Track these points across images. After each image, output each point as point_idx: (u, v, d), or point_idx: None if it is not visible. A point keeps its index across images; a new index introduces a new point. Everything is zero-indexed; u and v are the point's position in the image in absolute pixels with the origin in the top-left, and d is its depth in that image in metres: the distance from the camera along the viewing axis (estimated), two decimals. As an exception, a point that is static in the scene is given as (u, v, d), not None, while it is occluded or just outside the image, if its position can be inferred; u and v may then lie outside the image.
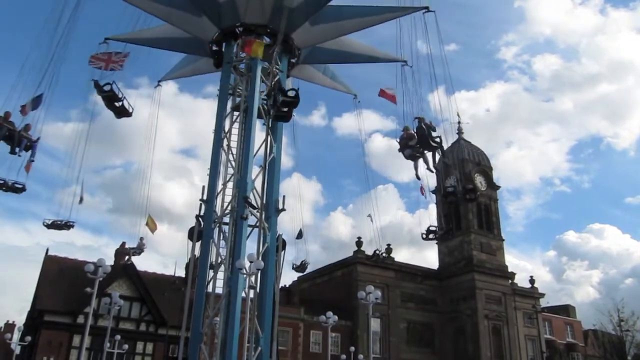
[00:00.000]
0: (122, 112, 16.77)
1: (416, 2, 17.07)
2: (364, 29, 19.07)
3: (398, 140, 16.41)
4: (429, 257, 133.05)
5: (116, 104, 16.35)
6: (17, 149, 15.35)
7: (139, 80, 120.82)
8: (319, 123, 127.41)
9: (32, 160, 15.77)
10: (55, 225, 18.42)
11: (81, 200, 18.64)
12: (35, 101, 15.61)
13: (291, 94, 15.76)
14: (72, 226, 18.50)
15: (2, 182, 16.08)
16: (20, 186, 16.22)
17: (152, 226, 19.61)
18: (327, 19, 18.43)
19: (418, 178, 17.27)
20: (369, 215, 21.59)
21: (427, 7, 16.87)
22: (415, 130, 15.82)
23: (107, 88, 15.92)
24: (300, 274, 31.32)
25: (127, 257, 18.79)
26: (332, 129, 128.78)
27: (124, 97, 16.39)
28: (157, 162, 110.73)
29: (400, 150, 16.30)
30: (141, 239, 19.05)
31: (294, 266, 23.68)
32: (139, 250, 19.64)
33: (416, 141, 15.93)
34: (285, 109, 15.80)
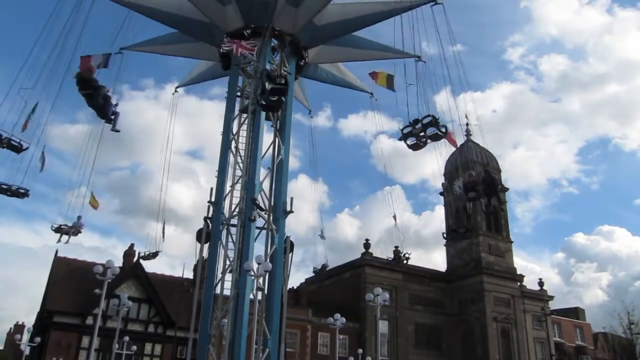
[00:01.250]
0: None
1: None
2: (370, 31, 19.08)
3: (464, 183, 16.03)
4: (435, 258, 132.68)
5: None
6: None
7: (145, 82, 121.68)
8: (324, 124, 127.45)
9: (117, 130, 15.72)
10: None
11: (93, 204, 19.30)
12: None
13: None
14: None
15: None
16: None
17: (94, 204, 19.51)
18: (334, 18, 18.40)
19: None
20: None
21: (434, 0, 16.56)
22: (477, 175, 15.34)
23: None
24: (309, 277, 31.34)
25: (66, 238, 18.34)
26: (338, 130, 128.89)
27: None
28: (163, 163, 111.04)
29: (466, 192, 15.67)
30: (79, 217, 18.75)
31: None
32: (75, 229, 19.12)
33: (483, 187, 15.50)
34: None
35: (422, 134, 14.95)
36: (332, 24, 18.48)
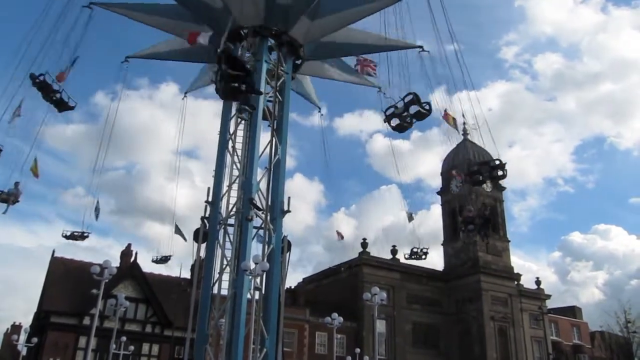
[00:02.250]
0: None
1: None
2: (365, 23, 18.90)
3: (463, 217, 16.71)
4: (432, 257, 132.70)
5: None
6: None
7: (140, 82, 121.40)
8: (319, 123, 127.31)
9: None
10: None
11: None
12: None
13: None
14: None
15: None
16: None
17: (35, 171, 19.49)
18: (326, 12, 18.23)
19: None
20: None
21: None
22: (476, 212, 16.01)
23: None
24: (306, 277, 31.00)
25: (5, 207, 18.08)
26: (333, 129, 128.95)
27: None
28: (159, 163, 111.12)
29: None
30: (16, 184, 18.52)
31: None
32: (14, 197, 18.96)
33: (481, 222, 16.55)
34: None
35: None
36: (324, 19, 18.31)
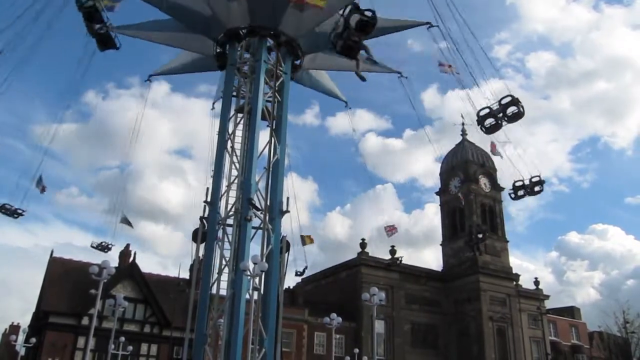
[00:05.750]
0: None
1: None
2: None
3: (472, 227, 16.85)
4: (426, 257, 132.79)
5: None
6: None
7: (131, 80, 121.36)
8: (312, 122, 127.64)
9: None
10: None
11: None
12: None
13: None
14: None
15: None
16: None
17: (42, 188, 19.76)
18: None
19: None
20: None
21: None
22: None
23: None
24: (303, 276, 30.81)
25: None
26: (326, 128, 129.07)
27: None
28: (152, 162, 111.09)
29: None
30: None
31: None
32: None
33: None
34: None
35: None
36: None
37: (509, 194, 16.85)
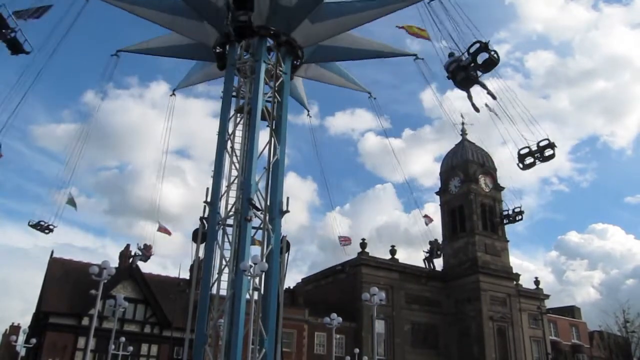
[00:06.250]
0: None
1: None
2: (367, 25, 18.94)
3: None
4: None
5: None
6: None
7: (129, 80, 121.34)
8: (312, 122, 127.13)
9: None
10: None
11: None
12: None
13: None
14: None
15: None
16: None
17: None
18: (328, 16, 18.29)
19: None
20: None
21: None
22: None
23: None
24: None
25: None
26: (325, 128, 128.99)
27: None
28: (151, 162, 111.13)
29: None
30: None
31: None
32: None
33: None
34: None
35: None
36: (326, 23, 18.39)
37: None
